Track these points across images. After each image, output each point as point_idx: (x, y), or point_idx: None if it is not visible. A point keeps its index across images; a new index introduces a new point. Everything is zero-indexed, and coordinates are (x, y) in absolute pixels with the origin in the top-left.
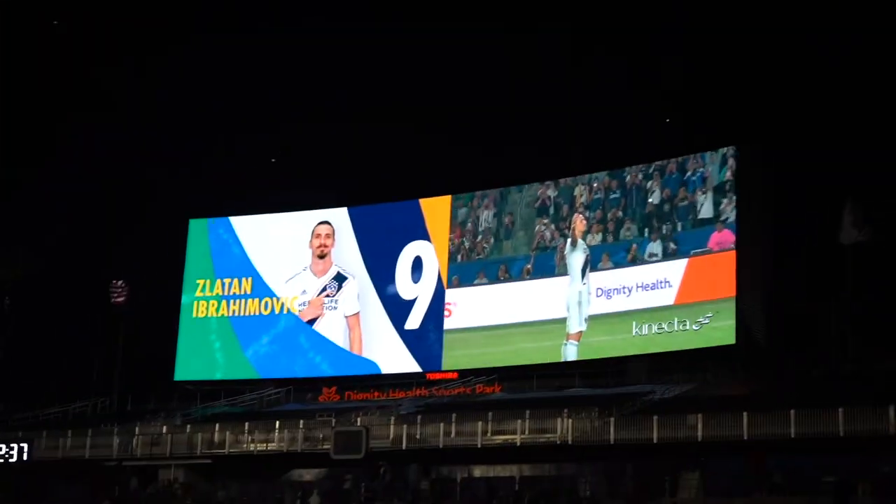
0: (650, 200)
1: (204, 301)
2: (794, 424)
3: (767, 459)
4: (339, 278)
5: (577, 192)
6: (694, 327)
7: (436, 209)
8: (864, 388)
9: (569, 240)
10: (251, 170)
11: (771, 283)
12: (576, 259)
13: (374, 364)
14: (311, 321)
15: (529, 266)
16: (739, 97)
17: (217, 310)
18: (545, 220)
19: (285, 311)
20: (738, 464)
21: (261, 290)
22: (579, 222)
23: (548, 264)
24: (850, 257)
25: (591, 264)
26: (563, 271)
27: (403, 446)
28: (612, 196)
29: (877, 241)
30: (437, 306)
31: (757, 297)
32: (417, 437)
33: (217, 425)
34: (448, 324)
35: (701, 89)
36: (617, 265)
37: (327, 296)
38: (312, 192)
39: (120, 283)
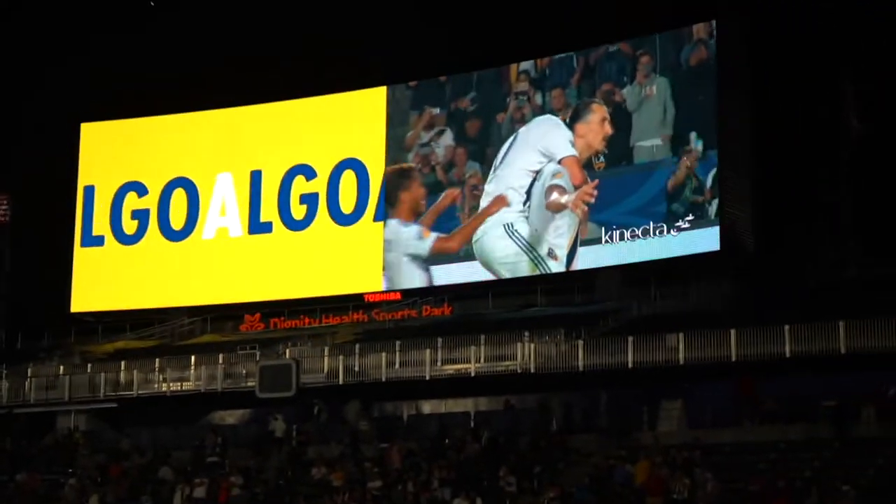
0: None
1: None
2: (788, 342)
3: (759, 384)
4: None
5: None
6: (672, 233)
7: None
8: (868, 298)
9: None
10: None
11: (758, 180)
12: None
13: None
14: None
15: None
16: None
17: None
18: None
19: None
20: (726, 389)
21: None
22: None
23: None
24: (848, 146)
25: None
26: None
27: (340, 381)
28: None
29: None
30: None
31: (744, 197)
32: (356, 369)
33: (122, 363)
34: None
35: None
36: None
37: None
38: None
39: (2, 199)
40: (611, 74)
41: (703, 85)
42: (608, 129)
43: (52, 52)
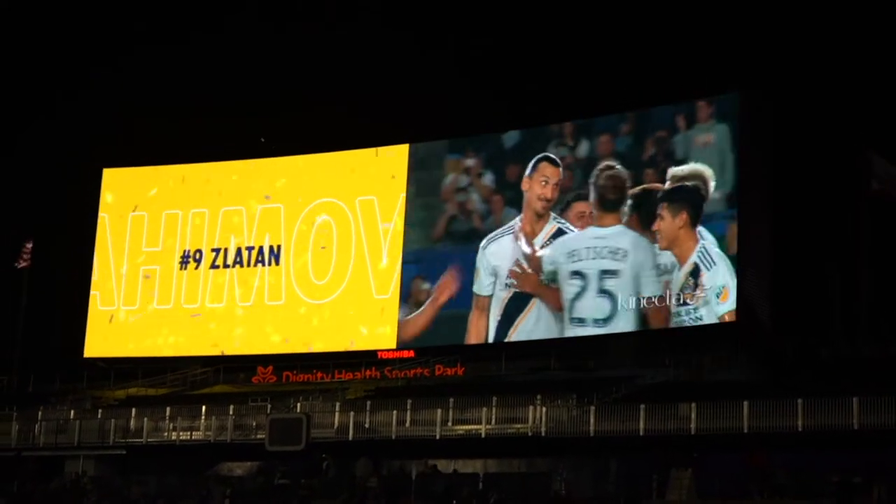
0: None
1: None
2: (801, 416)
3: (770, 456)
4: None
5: None
6: (688, 302)
7: None
8: (882, 375)
9: None
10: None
11: (776, 254)
12: None
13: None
14: None
15: None
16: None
17: None
18: None
19: None
20: (736, 461)
21: None
22: None
23: None
24: (868, 222)
25: None
26: None
27: (350, 437)
28: None
29: None
30: None
31: (763, 270)
32: (366, 426)
33: (133, 410)
34: None
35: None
36: None
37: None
38: None
39: (29, 246)
40: None
41: None
42: None
43: (74, 98)
